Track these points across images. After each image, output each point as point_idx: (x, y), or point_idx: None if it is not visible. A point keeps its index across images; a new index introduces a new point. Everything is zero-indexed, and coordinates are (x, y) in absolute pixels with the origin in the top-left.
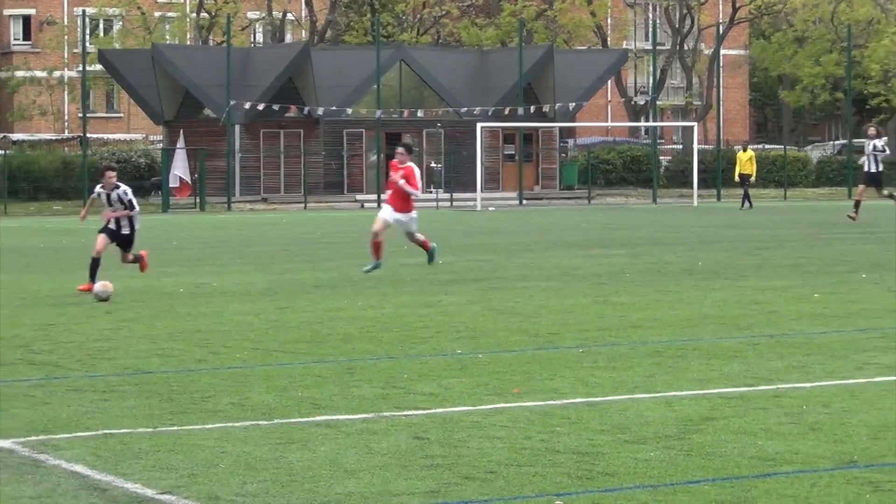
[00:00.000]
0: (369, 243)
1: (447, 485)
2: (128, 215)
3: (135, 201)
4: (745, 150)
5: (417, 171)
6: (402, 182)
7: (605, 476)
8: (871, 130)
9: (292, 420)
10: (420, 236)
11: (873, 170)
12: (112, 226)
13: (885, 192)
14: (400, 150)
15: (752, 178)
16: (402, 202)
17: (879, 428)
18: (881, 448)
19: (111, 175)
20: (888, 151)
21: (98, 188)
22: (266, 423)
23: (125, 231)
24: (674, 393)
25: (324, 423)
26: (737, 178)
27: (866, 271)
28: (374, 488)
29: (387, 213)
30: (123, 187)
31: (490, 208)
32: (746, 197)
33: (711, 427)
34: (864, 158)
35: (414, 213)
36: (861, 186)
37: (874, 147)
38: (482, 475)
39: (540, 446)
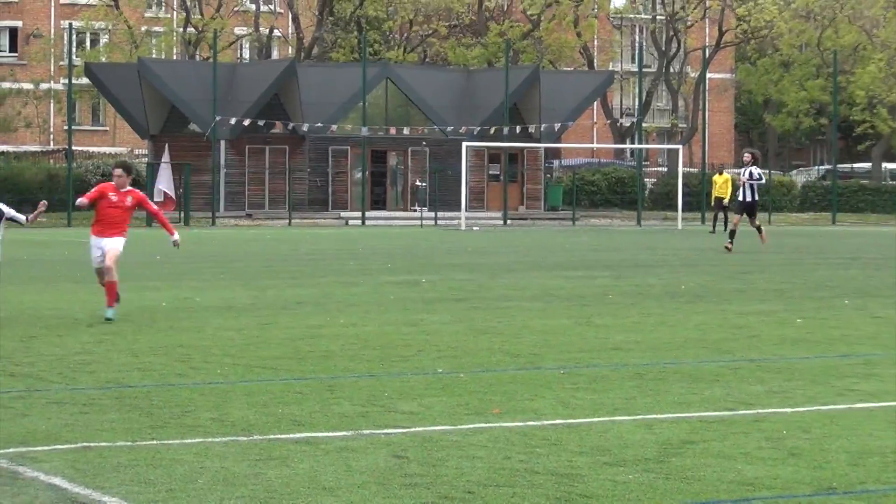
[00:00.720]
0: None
1: None
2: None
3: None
4: (720, 174)
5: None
6: (159, 211)
7: (584, 498)
8: (747, 157)
9: (272, 436)
10: (115, 276)
11: (748, 199)
12: None
13: (757, 223)
14: (118, 171)
15: (726, 201)
16: (115, 228)
17: (859, 454)
18: (860, 475)
19: None
20: (764, 180)
21: None
22: (245, 438)
23: None
24: (654, 416)
25: (303, 440)
26: (713, 203)
27: (849, 297)
28: None
29: (99, 245)
30: None
31: (474, 228)
32: (724, 221)
33: (691, 451)
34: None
35: (123, 239)
36: (736, 216)
37: (750, 175)
38: (461, 495)
39: (519, 467)
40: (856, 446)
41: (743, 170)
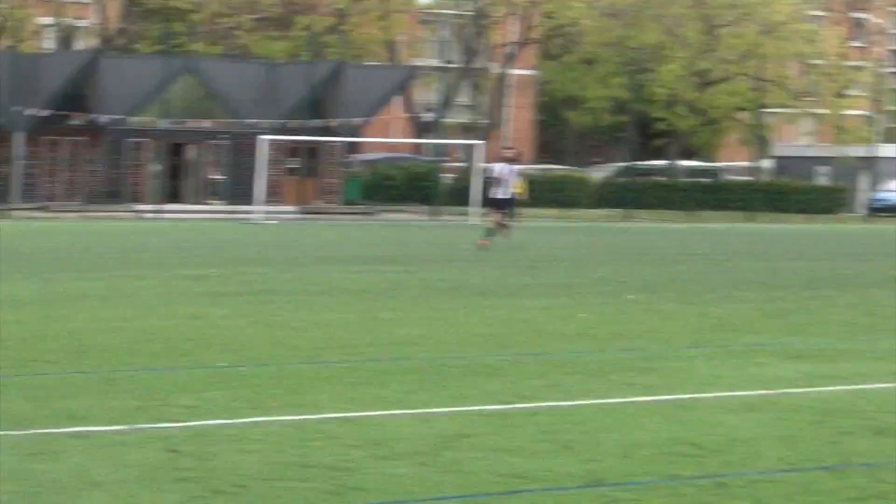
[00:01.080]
0: None
1: (195, 498)
2: None
3: None
4: None
5: None
6: None
7: (356, 491)
8: (509, 153)
9: (44, 430)
10: None
11: (508, 196)
12: None
13: (505, 219)
14: None
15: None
16: None
17: (630, 447)
18: (630, 467)
19: None
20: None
21: None
22: (18, 433)
23: None
24: (431, 409)
25: (77, 435)
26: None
27: (634, 292)
28: (121, 501)
29: None
30: None
31: (270, 221)
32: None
33: (466, 444)
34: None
35: None
36: (498, 213)
37: (510, 172)
38: (231, 489)
39: (293, 460)
40: (628, 439)
41: (500, 165)
